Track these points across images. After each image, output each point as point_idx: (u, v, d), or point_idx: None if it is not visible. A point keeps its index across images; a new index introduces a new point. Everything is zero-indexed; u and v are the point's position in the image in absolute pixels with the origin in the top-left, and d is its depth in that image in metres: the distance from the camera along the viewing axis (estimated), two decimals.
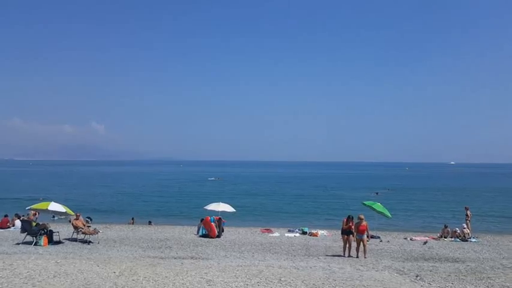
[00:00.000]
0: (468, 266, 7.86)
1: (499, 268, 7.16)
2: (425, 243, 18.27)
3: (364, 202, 20.99)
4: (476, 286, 6.03)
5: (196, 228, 19.69)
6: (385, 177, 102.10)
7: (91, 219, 22.58)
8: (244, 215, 29.45)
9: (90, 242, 15.39)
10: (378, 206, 20.04)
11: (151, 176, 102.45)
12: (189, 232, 19.63)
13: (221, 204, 22.01)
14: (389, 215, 20.26)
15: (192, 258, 11.78)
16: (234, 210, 22.11)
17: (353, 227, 13.51)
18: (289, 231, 21.81)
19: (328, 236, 20.31)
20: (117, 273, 7.93)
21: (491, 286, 5.97)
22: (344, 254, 13.71)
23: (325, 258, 12.64)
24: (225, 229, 19.85)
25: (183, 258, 11.54)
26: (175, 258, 11.73)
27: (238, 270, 8.02)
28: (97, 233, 16.56)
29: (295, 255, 13.50)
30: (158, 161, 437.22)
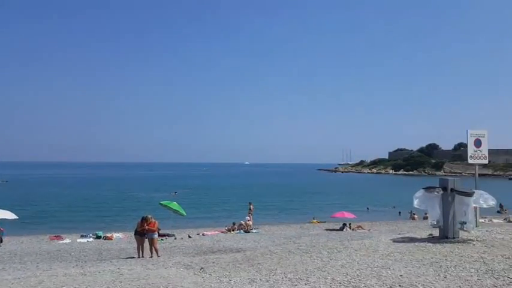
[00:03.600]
0: (245, 254, 8.98)
1: (267, 254, 8.41)
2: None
3: (161, 202, 21.47)
4: (248, 272, 6.95)
5: None
6: (184, 177, 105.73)
7: None
8: (29, 223, 26.17)
9: None
10: (174, 205, 20.77)
11: None
12: None
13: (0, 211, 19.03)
14: (184, 213, 21.23)
15: None
16: (16, 217, 19.38)
17: (147, 227, 13.60)
18: (82, 236, 20.60)
19: (123, 239, 19.96)
20: None
21: (260, 270, 6.96)
22: (138, 255, 13.69)
23: (117, 261, 12.39)
24: (4, 239, 17.41)
25: None
26: None
27: (14, 283, 7.19)
28: None
29: (85, 261, 12.83)
30: None
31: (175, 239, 19.22)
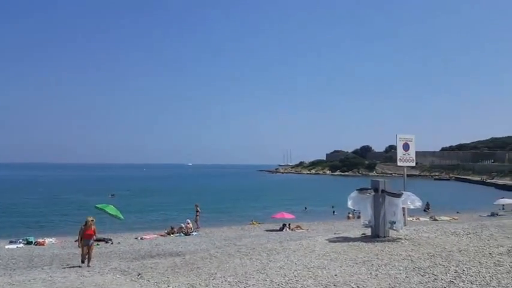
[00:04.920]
0: (184, 258, 8.89)
1: (207, 258, 8.39)
2: None
3: (97, 205, 20.62)
4: (187, 276, 6.89)
5: None
6: (122, 179, 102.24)
7: None
8: None
9: None
10: (111, 209, 20.04)
11: None
12: None
13: None
14: (121, 217, 20.56)
15: None
16: None
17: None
18: (11, 242, 19.26)
19: (56, 244, 18.93)
20: None
21: (199, 274, 6.93)
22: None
23: (50, 268, 11.72)
24: None
25: None
26: None
27: None
28: None
29: (14, 269, 12.02)
30: None
31: (111, 243, 18.53)
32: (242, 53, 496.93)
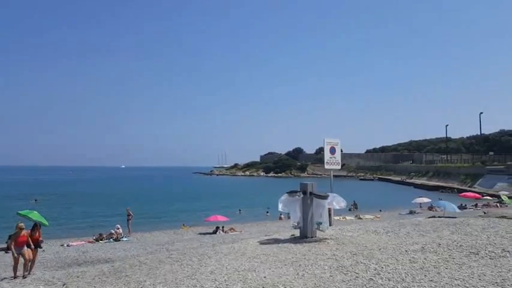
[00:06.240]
0: (112, 266, 8.65)
1: (136, 265, 8.24)
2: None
3: (20, 212, 19.18)
4: (115, 285, 6.72)
5: None
6: (46, 183, 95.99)
7: None
8: None
9: None
10: (35, 215, 18.71)
11: None
12: None
13: None
14: (46, 223, 19.30)
15: None
16: None
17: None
18: None
19: None
20: None
21: (128, 283, 6.79)
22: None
23: None
24: None
25: None
26: None
27: None
28: None
29: None
30: None
31: None
32: (176, 53, 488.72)
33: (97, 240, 21.23)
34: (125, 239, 21.73)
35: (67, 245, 19.59)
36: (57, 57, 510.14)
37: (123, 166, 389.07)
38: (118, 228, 22.44)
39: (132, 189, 74.49)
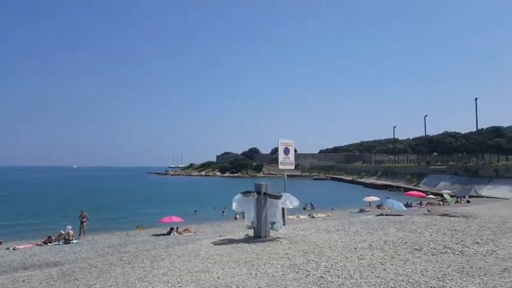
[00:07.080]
0: (61, 269, 8.36)
1: (86, 268, 8.04)
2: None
3: None
4: None
5: None
6: None
7: None
8: None
9: None
10: None
11: None
12: None
13: None
14: None
15: None
16: None
17: None
18: None
19: None
20: None
21: (77, 286, 6.63)
22: None
23: None
24: None
25: None
26: None
27: None
28: None
29: None
30: None
31: None
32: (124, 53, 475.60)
33: (46, 242, 20.37)
34: (75, 241, 20.99)
35: (13, 249, 18.68)
36: None
37: (76, 166, 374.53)
38: (70, 229, 21.64)
39: (85, 190, 71.82)
